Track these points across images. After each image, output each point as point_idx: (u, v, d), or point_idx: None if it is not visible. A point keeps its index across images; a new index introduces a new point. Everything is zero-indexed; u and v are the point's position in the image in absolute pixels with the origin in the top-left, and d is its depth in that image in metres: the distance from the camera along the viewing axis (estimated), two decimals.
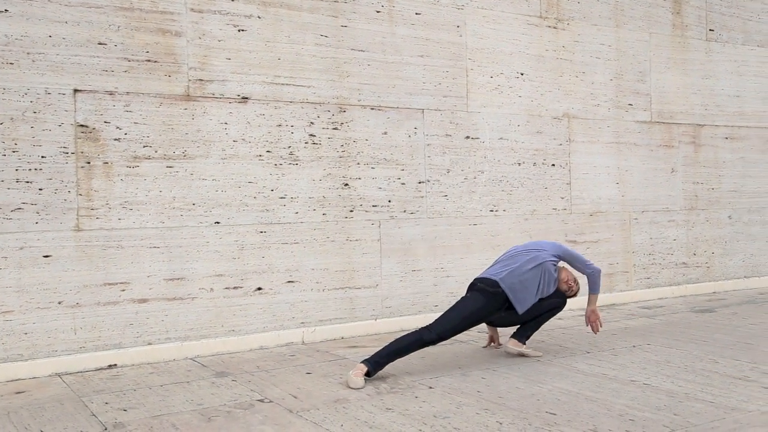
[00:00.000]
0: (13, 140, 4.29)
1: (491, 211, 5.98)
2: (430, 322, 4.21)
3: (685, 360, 4.32)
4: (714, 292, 7.18)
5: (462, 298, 4.33)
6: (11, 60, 4.29)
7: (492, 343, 4.76)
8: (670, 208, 7.01)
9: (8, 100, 4.29)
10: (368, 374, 3.91)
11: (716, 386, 3.71)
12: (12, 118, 4.29)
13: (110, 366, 4.50)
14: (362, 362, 3.94)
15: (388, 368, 4.21)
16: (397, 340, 4.06)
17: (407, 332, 4.12)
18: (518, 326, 4.53)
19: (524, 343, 4.49)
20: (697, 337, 5.02)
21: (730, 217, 7.39)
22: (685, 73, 7.12)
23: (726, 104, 7.39)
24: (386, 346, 4.03)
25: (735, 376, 3.92)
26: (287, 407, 3.52)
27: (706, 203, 7.24)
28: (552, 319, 5.86)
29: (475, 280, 4.38)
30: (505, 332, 4.87)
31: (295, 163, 5.16)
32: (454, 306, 4.24)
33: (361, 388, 3.80)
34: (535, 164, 6.20)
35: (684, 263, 7.08)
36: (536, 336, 5.15)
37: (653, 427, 3.08)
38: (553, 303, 4.52)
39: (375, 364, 3.94)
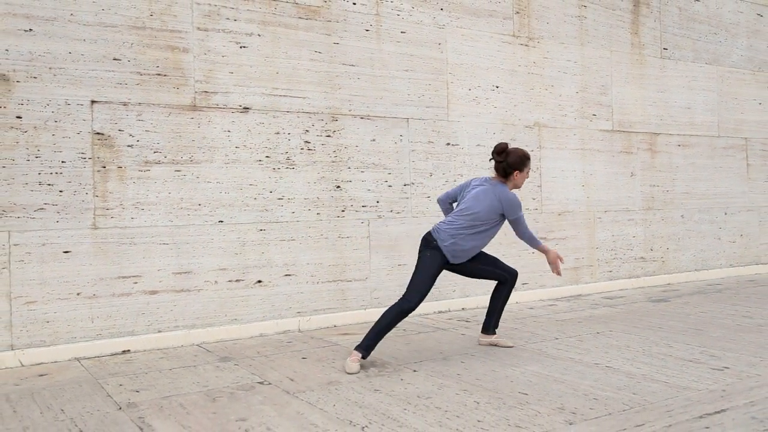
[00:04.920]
0: (36, 147, 4.27)
1: None
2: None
3: (643, 345, 4.36)
4: (668, 284, 7.25)
5: (421, 257, 4.05)
6: (35, 74, 4.27)
7: None
8: (630, 208, 7.06)
9: (32, 111, 4.26)
10: (363, 357, 3.89)
11: (670, 368, 3.75)
12: (35, 127, 4.27)
13: (124, 351, 4.48)
14: (355, 349, 3.90)
15: (376, 354, 4.23)
16: (381, 319, 3.91)
17: (387, 309, 3.94)
18: (483, 320, 4.43)
19: (495, 333, 4.43)
20: (654, 324, 5.07)
21: (682, 216, 7.46)
22: (643, 87, 7.18)
23: (678, 115, 7.45)
24: (372, 328, 3.92)
25: (687, 358, 3.96)
26: (285, 389, 3.52)
27: (661, 204, 7.30)
28: (524, 309, 5.91)
29: (430, 234, 4.10)
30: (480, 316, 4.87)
31: (291, 167, 5.16)
32: (418, 269, 4.00)
33: (357, 372, 3.79)
34: None
35: (642, 258, 7.14)
36: (510, 324, 5.18)
37: (614, 405, 3.11)
38: (506, 275, 4.31)
39: (366, 348, 3.89)
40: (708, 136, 7.67)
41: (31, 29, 4.26)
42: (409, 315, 5.55)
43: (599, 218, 6.82)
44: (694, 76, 7.58)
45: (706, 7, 7.71)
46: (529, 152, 4.18)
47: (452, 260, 4.08)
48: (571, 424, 2.87)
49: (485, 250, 4.63)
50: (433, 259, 4.02)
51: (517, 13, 6.32)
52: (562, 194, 6.57)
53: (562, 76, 6.59)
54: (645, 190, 7.17)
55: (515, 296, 6.19)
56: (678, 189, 7.42)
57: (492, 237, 4.16)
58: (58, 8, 4.34)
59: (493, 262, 4.32)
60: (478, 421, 2.94)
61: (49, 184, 4.30)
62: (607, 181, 6.88)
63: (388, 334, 4.85)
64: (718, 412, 2.97)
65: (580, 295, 6.59)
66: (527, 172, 4.17)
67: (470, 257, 4.17)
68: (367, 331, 4.82)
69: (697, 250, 7.57)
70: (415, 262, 5.70)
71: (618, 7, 7.01)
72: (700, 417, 2.92)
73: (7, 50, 4.19)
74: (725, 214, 7.80)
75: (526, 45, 6.38)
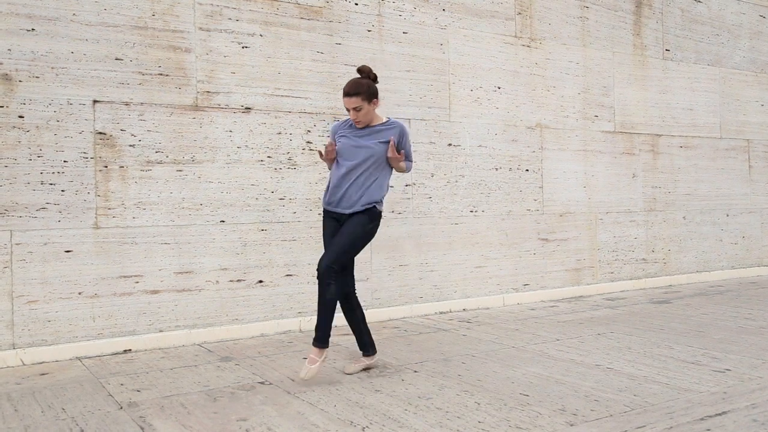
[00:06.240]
0: (38, 146, 4.27)
1: (471, 211, 6.00)
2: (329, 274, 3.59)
3: (644, 346, 4.35)
4: (670, 285, 7.24)
5: (323, 230, 3.86)
6: (37, 74, 4.27)
7: None
8: (632, 209, 7.06)
9: (34, 110, 4.27)
10: (367, 355, 3.83)
11: (671, 370, 3.75)
12: (37, 126, 4.27)
13: (125, 351, 4.49)
14: (315, 346, 3.55)
15: (378, 355, 4.22)
16: (326, 310, 3.56)
17: (324, 302, 3.56)
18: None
19: (369, 354, 3.90)
20: (655, 325, 5.06)
21: (684, 217, 7.45)
22: (645, 88, 7.17)
23: (681, 116, 7.45)
24: (322, 319, 3.55)
25: (688, 360, 3.96)
26: (285, 389, 3.52)
27: (663, 205, 7.29)
28: (526, 309, 5.89)
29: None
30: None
31: (293, 167, 5.16)
32: (326, 243, 3.77)
33: (314, 376, 3.51)
34: (510, 169, 6.23)
35: (644, 259, 7.13)
36: (511, 325, 5.18)
37: (615, 406, 3.11)
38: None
39: (325, 340, 3.56)
40: (710, 138, 7.66)
41: (33, 29, 4.27)
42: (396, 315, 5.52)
43: (601, 219, 6.82)
44: (697, 78, 7.57)
45: (709, 8, 7.70)
46: (377, 86, 3.73)
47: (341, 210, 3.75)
48: (572, 425, 2.86)
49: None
50: (327, 230, 3.81)
51: (519, 14, 6.32)
52: (564, 195, 6.57)
53: (564, 77, 6.59)
54: (647, 192, 7.16)
55: (516, 297, 6.19)
56: (680, 190, 7.41)
57: (336, 169, 3.77)
58: (61, 8, 4.34)
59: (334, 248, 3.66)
60: (479, 422, 2.94)
61: (51, 184, 4.31)
62: (608, 183, 6.87)
63: (388, 335, 4.85)
64: (719, 415, 2.97)
65: (581, 296, 6.59)
66: (347, 109, 3.68)
67: (343, 205, 3.73)
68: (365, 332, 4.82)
69: (699, 252, 7.56)
70: (415, 263, 5.70)
71: (620, 8, 7.01)
72: (702, 419, 2.91)
73: (9, 50, 4.20)
74: (727, 215, 7.79)
75: (528, 46, 6.37)
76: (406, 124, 3.94)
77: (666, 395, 3.27)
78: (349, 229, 3.65)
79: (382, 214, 3.85)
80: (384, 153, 3.70)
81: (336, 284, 3.59)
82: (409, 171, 3.94)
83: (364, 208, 3.67)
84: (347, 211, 3.70)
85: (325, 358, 3.61)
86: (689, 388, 3.38)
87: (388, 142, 3.69)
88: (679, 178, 7.40)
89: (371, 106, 3.69)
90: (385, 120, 3.78)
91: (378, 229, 3.82)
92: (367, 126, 3.74)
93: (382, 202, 3.77)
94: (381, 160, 3.71)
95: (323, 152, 3.80)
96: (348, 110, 3.69)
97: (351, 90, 3.64)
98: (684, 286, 7.17)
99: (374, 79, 3.76)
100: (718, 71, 7.74)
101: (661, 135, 7.27)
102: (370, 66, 5.47)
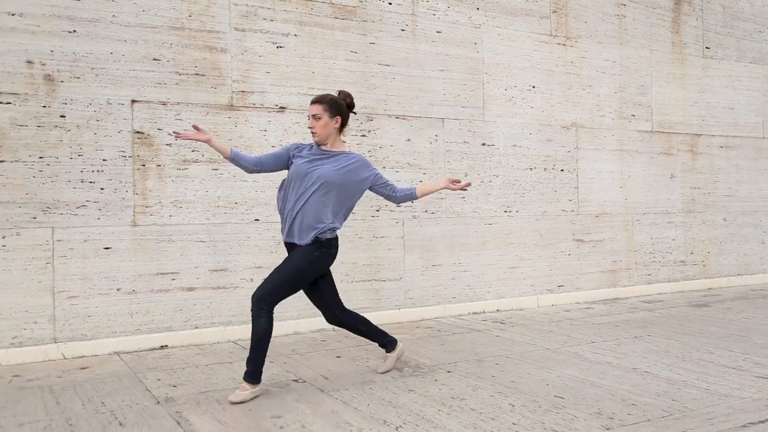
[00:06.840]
0: (78, 145, 4.37)
1: (505, 212, 5.95)
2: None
3: (683, 350, 4.27)
4: (709, 289, 7.09)
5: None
6: (78, 74, 4.37)
7: None
8: (670, 210, 6.92)
9: (75, 110, 4.36)
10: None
11: (711, 375, 3.67)
12: (78, 126, 4.37)
13: (162, 347, 4.56)
14: (245, 380, 3.35)
15: (411, 354, 4.22)
16: (257, 342, 3.38)
17: (255, 333, 3.39)
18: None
19: (391, 350, 3.88)
20: (694, 329, 4.96)
21: (724, 219, 7.28)
22: (684, 87, 7.03)
23: (721, 116, 7.28)
24: (252, 353, 3.38)
25: (729, 365, 3.87)
26: (319, 387, 3.54)
27: (702, 206, 7.14)
28: (560, 311, 5.83)
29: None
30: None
31: None
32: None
33: (243, 401, 3.28)
34: (545, 169, 6.16)
35: (682, 261, 6.99)
36: (546, 326, 5.13)
37: (653, 411, 3.06)
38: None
39: (255, 375, 3.36)
40: (752, 137, 7.48)
41: (74, 30, 4.37)
42: (432, 317, 5.52)
43: (637, 220, 6.70)
44: (738, 76, 7.39)
45: (751, 4, 7.52)
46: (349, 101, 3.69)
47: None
48: (608, 429, 2.82)
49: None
50: None
51: (555, 12, 6.25)
52: (600, 196, 6.47)
53: (600, 75, 6.50)
54: (685, 193, 7.02)
55: (551, 298, 6.13)
56: (720, 191, 7.25)
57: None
58: (101, 10, 4.44)
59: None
60: (513, 424, 2.91)
61: (90, 182, 4.40)
62: (645, 183, 6.76)
63: (421, 335, 4.84)
64: (762, 422, 2.89)
65: (617, 298, 6.49)
66: (308, 116, 3.62)
67: (294, 235, 3.57)
68: (400, 331, 4.82)
69: (740, 254, 7.38)
70: (449, 263, 5.68)
71: (659, 5, 6.88)
72: (744, 426, 2.84)
73: (52, 51, 4.30)
74: None
75: (563, 44, 6.30)
76: (366, 157, 3.75)
77: (706, 401, 3.20)
78: (292, 259, 3.49)
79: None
80: (338, 180, 3.51)
81: (267, 318, 3.37)
82: (403, 200, 3.77)
83: (311, 240, 3.47)
84: (296, 241, 3.51)
85: (259, 394, 3.36)
86: (730, 394, 3.30)
87: (347, 167, 3.55)
88: (719, 178, 7.24)
89: (332, 122, 3.55)
90: (347, 151, 3.65)
91: (334, 258, 3.58)
92: (326, 151, 3.59)
93: (333, 230, 3.53)
94: (332, 185, 3.51)
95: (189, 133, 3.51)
96: (309, 118, 3.58)
97: (316, 98, 3.58)
98: (724, 290, 7.01)
99: (349, 105, 3.65)
100: (761, 69, 7.55)
101: (700, 135, 7.12)
102: (404, 64, 5.48)
